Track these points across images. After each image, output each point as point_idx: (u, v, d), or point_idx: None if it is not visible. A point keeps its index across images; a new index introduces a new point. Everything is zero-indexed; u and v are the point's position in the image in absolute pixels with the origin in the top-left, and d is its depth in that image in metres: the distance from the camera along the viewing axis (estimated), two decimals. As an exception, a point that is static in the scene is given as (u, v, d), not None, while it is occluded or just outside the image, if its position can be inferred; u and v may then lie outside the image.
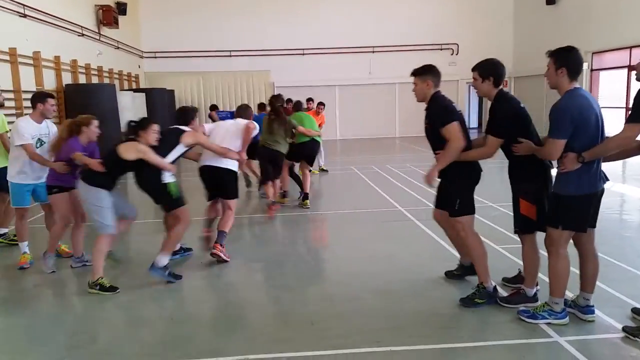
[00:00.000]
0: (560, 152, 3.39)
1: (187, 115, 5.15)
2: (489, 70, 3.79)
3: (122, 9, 16.31)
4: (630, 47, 14.30)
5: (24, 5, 10.63)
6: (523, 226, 3.84)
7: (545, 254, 3.63)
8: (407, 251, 5.47)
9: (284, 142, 7.36)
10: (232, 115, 12.20)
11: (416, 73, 4.04)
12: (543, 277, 3.93)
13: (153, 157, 4.50)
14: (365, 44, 20.08)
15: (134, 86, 17.59)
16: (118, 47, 16.50)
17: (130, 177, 4.81)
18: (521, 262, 4.06)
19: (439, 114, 3.93)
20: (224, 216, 5.42)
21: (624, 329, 3.43)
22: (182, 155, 4.95)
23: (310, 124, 8.14)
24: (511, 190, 3.89)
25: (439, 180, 4.05)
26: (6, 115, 6.34)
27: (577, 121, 3.30)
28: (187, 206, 4.88)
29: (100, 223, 4.47)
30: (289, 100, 10.57)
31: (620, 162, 9.36)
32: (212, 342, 3.57)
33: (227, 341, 3.59)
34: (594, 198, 3.47)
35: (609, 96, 15.32)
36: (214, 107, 14.10)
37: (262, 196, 8.45)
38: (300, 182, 8.28)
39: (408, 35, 19.94)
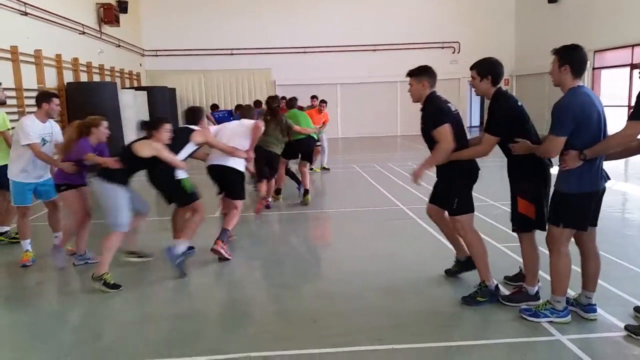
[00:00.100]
0: (559, 150, 3.40)
1: (196, 115, 5.27)
2: (487, 69, 3.80)
3: (123, 7, 16.32)
4: (632, 46, 14.28)
5: (25, 3, 10.63)
6: (521, 225, 3.85)
7: (546, 251, 3.64)
8: (408, 249, 5.47)
9: (279, 143, 7.41)
10: (229, 114, 12.21)
11: (412, 74, 4.06)
12: (545, 275, 3.93)
13: (166, 155, 4.64)
14: (367, 42, 20.07)
15: (135, 84, 17.59)
16: (119, 45, 16.51)
17: (135, 176, 4.84)
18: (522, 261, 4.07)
19: (432, 115, 3.96)
20: (229, 214, 5.46)
21: (626, 328, 3.43)
22: (191, 154, 5.05)
23: (306, 122, 8.22)
24: (510, 189, 3.90)
25: (422, 181, 4.07)
26: (8, 113, 6.35)
27: (579, 118, 3.29)
28: (201, 200, 5.04)
29: (115, 220, 4.53)
30: (283, 97, 10.62)
31: (622, 160, 9.36)
32: (214, 340, 3.58)
33: (230, 339, 3.60)
34: (595, 196, 3.47)
35: (611, 94, 15.29)
36: (214, 107, 14.10)
37: (255, 190, 8.49)
38: (296, 178, 8.36)
39: (409, 34, 19.93)
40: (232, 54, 19.78)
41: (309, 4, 19.78)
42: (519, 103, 3.82)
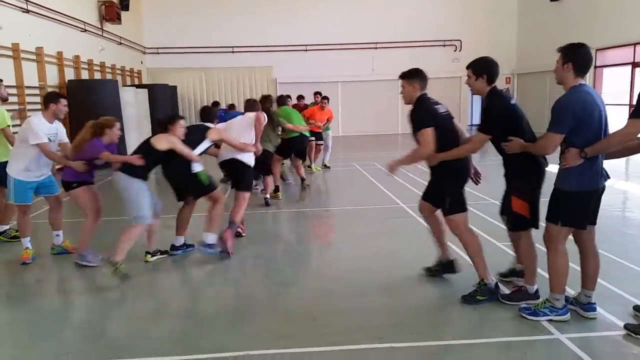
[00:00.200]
0: (555, 147, 3.42)
1: (211, 114, 5.60)
2: (482, 68, 3.84)
3: (124, 4, 16.32)
4: (635, 44, 14.26)
5: (27, 0, 10.63)
6: (517, 224, 3.86)
7: (543, 249, 3.63)
8: (409, 248, 5.47)
9: (272, 141, 7.53)
10: (224, 113, 12.25)
11: (404, 76, 4.15)
12: (543, 273, 3.93)
13: (182, 148, 4.87)
14: (368, 40, 20.05)
15: (136, 82, 17.60)
16: (121, 43, 16.51)
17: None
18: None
19: (418, 117, 4.02)
20: (235, 206, 5.60)
21: (626, 327, 3.43)
22: (206, 150, 5.26)
23: (298, 120, 8.38)
24: (505, 187, 3.92)
25: (394, 175, 4.25)
26: (9, 110, 6.35)
27: (580, 116, 3.29)
28: (219, 188, 5.35)
29: (137, 213, 4.75)
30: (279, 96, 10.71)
31: (623, 159, 9.34)
32: (214, 338, 3.58)
33: (230, 337, 3.60)
34: (595, 195, 3.47)
35: (613, 93, 15.26)
36: (216, 104, 14.10)
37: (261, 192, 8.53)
38: (281, 175, 8.69)
39: (411, 32, 19.91)
40: (233, 52, 19.78)
41: (310, 1, 19.74)
42: (512, 102, 3.83)
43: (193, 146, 5.03)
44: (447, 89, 18.51)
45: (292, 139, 8.20)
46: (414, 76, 4.10)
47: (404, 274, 4.64)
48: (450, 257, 4.48)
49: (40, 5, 11.19)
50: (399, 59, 18.91)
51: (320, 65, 19.74)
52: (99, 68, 14.39)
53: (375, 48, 20.21)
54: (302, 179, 8.51)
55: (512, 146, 3.64)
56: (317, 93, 11.70)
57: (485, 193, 7.16)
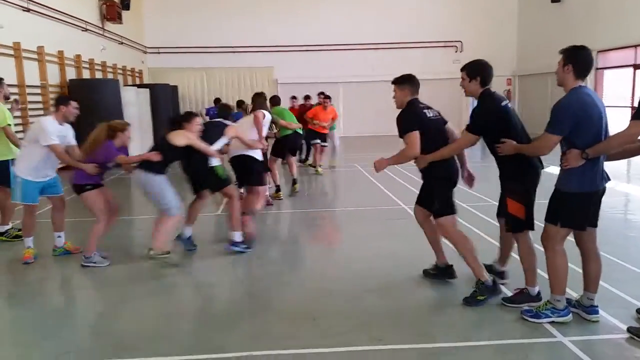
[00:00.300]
0: (551, 148, 3.43)
1: (227, 111, 6.14)
2: (476, 71, 3.88)
3: (125, 4, 16.32)
4: (636, 46, 14.24)
5: (28, -1, 10.65)
6: (514, 225, 3.86)
7: (541, 249, 3.63)
8: (410, 249, 5.45)
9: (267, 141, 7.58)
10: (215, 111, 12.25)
11: (395, 82, 4.25)
12: (543, 274, 3.91)
13: (199, 144, 5.04)
14: (369, 41, 20.03)
15: (137, 81, 17.60)
16: (122, 43, 16.51)
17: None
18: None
19: (404, 120, 4.10)
20: (246, 197, 5.92)
21: (629, 330, 3.42)
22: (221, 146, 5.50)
23: (290, 118, 8.53)
24: (500, 188, 3.94)
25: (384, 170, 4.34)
26: (8, 102, 6.36)
27: (579, 117, 3.29)
28: (233, 185, 5.59)
29: (167, 206, 4.97)
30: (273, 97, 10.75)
31: (624, 161, 9.33)
32: (215, 338, 3.57)
33: (230, 337, 3.59)
34: (595, 197, 3.47)
35: (614, 95, 15.25)
36: (217, 101, 14.11)
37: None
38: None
39: (412, 32, 19.88)
40: (234, 52, 19.76)
41: (312, 2, 19.73)
42: (503, 103, 3.86)
43: (212, 141, 5.25)
44: (448, 90, 18.40)
45: (286, 137, 8.38)
46: (405, 82, 4.19)
47: (404, 275, 4.64)
48: (447, 262, 4.49)
49: (42, 5, 11.19)
50: (399, 60, 18.96)
51: (321, 66, 19.73)
52: (100, 67, 14.39)
53: (377, 49, 20.20)
54: (294, 181, 8.62)
55: (505, 148, 3.66)
56: (320, 93, 11.71)
57: (485, 194, 7.15)
